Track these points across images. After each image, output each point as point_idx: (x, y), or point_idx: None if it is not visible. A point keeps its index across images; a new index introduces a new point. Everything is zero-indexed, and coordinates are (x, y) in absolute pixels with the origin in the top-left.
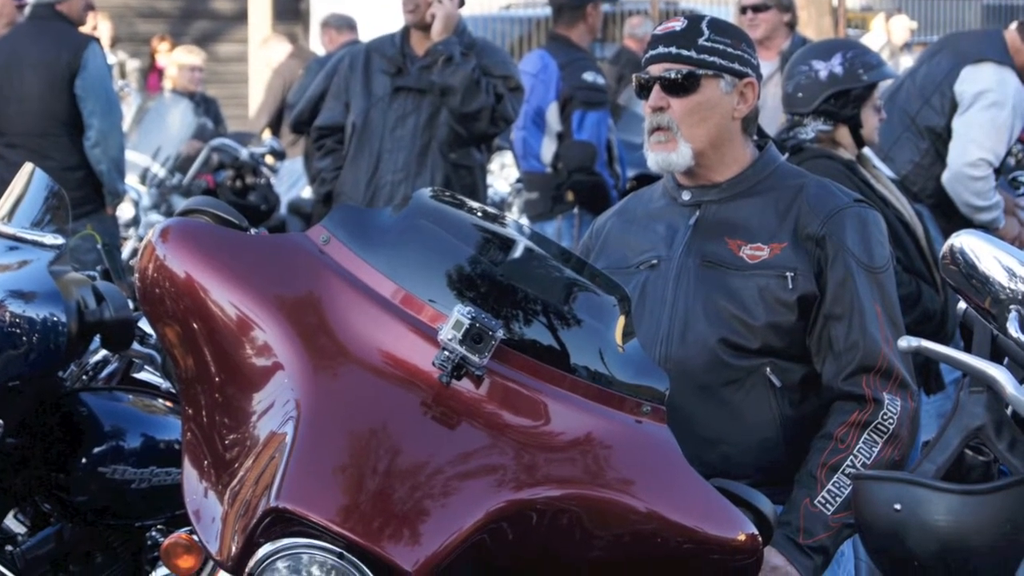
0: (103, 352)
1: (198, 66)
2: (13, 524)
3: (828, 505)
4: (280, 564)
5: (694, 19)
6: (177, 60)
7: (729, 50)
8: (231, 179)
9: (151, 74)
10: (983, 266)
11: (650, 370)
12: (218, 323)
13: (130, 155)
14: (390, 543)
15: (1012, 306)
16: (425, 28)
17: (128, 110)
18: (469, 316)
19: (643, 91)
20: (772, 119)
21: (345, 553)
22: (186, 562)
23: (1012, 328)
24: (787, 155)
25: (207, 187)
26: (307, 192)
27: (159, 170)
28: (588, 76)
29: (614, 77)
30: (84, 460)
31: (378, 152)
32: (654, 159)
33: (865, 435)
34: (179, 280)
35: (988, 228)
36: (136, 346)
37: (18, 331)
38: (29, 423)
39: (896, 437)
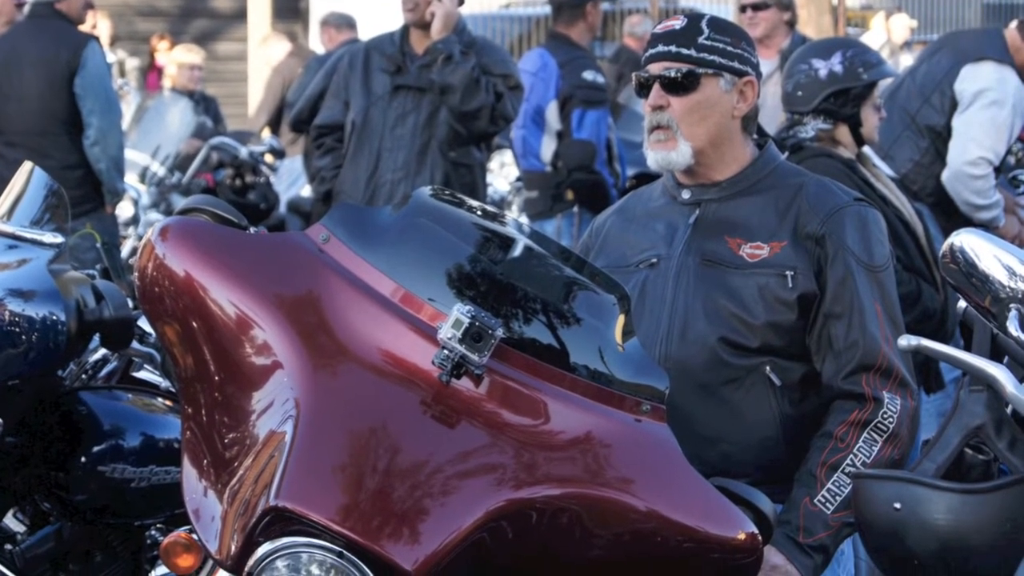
0: (102, 351)
1: (197, 65)
2: (13, 523)
3: (828, 504)
4: (279, 563)
5: (694, 17)
6: (176, 59)
7: (729, 49)
8: (230, 178)
9: (150, 73)
10: (983, 265)
11: (650, 369)
12: (217, 322)
13: (129, 154)
14: (390, 542)
15: (1012, 305)
16: (425, 27)
17: (127, 109)
18: (469, 315)
19: (643, 90)
20: (772, 118)
21: (345, 552)
22: (185, 561)
23: (1012, 327)
24: (787, 154)
25: (206, 186)
26: (306, 191)
27: (158, 169)
28: (588, 75)
29: (614, 76)
30: (83, 459)
31: (378, 151)
32: (654, 158)
33: (865, 434)
34: (178, 279)
35: (988, 227)
36: (135, 345)
37: (17, 330)
38: (28, 422)
39: (896, 436)
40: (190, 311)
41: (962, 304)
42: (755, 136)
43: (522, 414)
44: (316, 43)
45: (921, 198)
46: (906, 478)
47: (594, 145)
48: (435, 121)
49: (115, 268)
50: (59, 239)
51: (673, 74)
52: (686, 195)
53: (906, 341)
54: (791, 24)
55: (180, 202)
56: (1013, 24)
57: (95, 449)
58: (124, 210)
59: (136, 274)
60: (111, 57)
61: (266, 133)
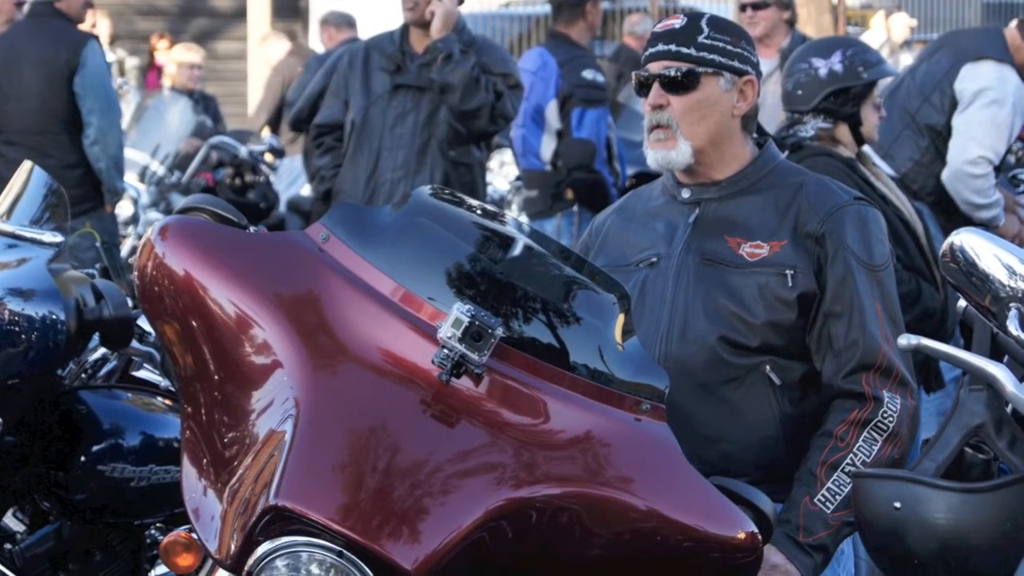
0: (102, 350)
1: (197, 64)
2: (12, 522)
3: (828, 503)
4: (279, 562)
5: (694, 17)
6: (176, 58)
7: (729, 48)
8: (230, 177)
9: (150, 72)
10: (983, 264)
11: (650, 368)
12: (217, 321)
13: (129, 153)
14: (389, 541)
15: (1012, 304)
16: (424, 26)
17: (127, 108)
18: (468, 314)
19: (643, 89)
20: (772, 117)
21: (344, 551)
22: (185, 560)
23: (1012, 326)
24: (787, 153)
25: (206, 185)
26: (306, 190)
27: (158, 168)
28: (587, 74)
29: (613, 75)
30: (83, 458)
31: (377, 150)
32: (654, 157)
33: (865, 433)
34: (178, 278)
35: (988, 226)
36: (135, 344)
37: (17, 329)
38: (28, 421)
39: (896, 435)
40: (190, 310)
41: (962, 303)
42: (755, 135)
43: (522, 413)
44: (316, 42)
45: (921, 197)
46: (906, 477)
47: (594, 144)
48: (435, 120)
49: (115, 267)
50: (59, 238)
51: (673, 73)
52: (686, 194)
53: (906, 340)
54: (791, 23)
55: (180, 201)
56: (1013, 23)
57: (95, 448)
58: (124, 209)
59: (136, 273)
60: (111, 56)
61: (266, 132)
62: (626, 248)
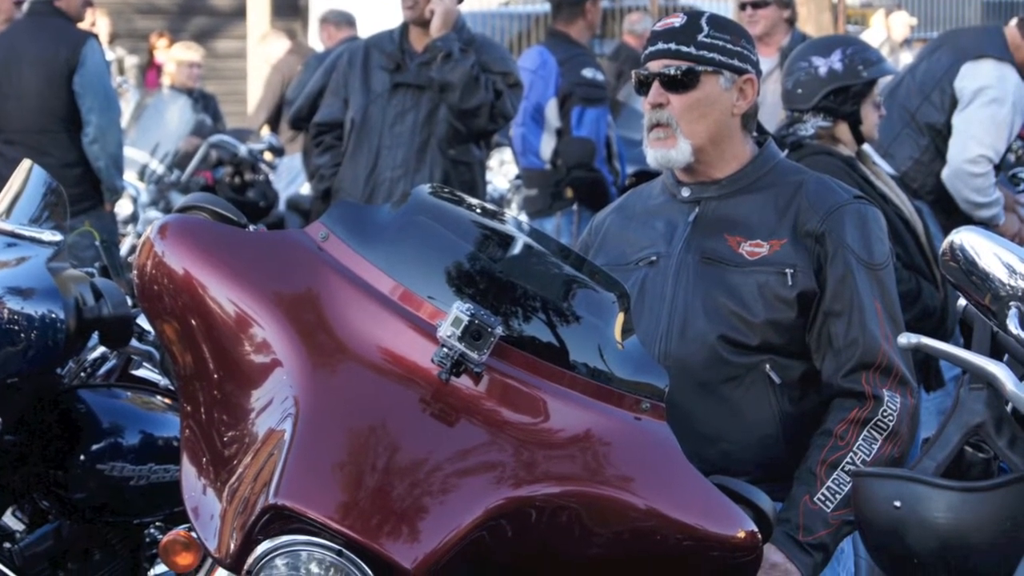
0: (101, 349)
1: (196, 62)
2: (11, 521)
3: (828, 502)
4: (279, 561)
5: (693, 15)
6: (175, 56)
7: (728, 46)
8: (230, 175)
9: (149, 70)
10: (983, 263)
11: (649, 367)
12: (217, 320)
13: (128, 151)
14: (389, 540)
15: (1012, 303)
16: (424, 24)
17: (126, 106)
18: (468, 313)
19: (642, 87)
20: (772, 115)
21: (344, 550)
22: (184, 559)
23: (1012, 325)
24: (787, 151)
25: (205, 183)
26: (306, 188)
27: (157, 166)
28: (587, 72)
29: (613, 73)
30: (82, 457)
31: (377, 148)
32: (653, 155)
33: (865, 432)
34: (177, 277)
35: (988, 225)
36: (134, 343)
37: (16, 328)
38: (27, 420)
39: (896, 434)
40: (189, 309)
41: (962, 302)
42: (755, 134)
43: (521, 412)
44: (315, 41)
45: (921, 196)
46: (906, 476)
47: (593, 143)
48: (434, 119)
49: (114, 266)
50: (58, 237)
51: (673, 72)
52: (686, 193)
53: (906, 339)
54: (791, 22)
55: (179, 200)
56: (1013, 22)
57: (94, 447)
58: (123, 208)
59: (135, 272)
60: (110, 55)
61: (265, 131)
62: (626, 247)
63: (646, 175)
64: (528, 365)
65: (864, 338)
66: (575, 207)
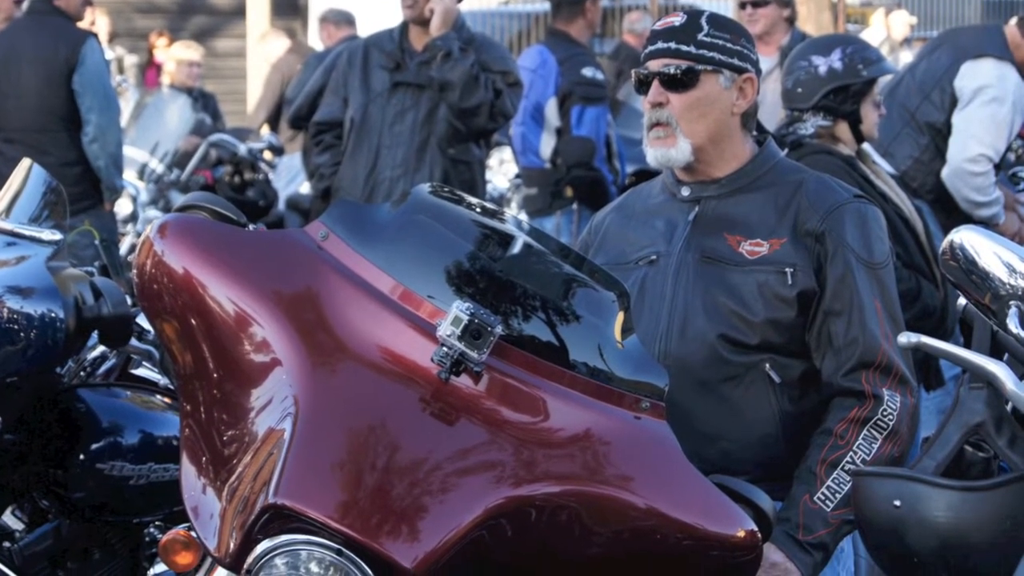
0: (101, 348)
1: (196, 62)
2: (11, 520)
3: (828, 501)
4: (278, 560)
5: (693, 14)
6: (175, 55)
7: (728, 45)
8: (229, 175)
9: (149, 70)
10: (983, 262)
11: (649, 366)
12: (216, 319)
13: (128, 151)
14: (389, 539)
15: (1012, 302)
16: (424, 23)
17: (126, 106)
18: (468, 312)
19: (642, 87)
20: (771, 115)
21: (343, 549)
22: (184, 558)
23: (1012, 324)
24: (786, 151)
25: (205, 183)
26: (305, 188)
27: (157, 166)
28: (587, 71)
29: (613, 72)
30: (82, 456)
31: (376, 148)
32: (653, 155)
33: (865, 431)
34: (177, 276)
35: (988, 224)
36: (134, 342)
37: (16, 327)
38: (27, 419)
39: (896, 433)
40: (189, 308)
41: (962, 301)
42: (755, 133)
43: (521, 411)
44: (315, 40)
45: (921, 195)
46: (906, 475)
47: (593, 142)
48: (434, 118)
49: (113, 265)
50: (57, 236)
51: (672, 71)
52: (685, 192)
53: (906, 338)
54: (791, 21)
55: (179, 199)
56: (1013, 21)
57: (94, 446)
58: (123, 207)
59: (135, 271)
60: (110, 54)
61: (265, 130)
62: (626, 246)
63: (646, 174)
64: (528, 364)
65: (864, 337)
66: (575, 206)
